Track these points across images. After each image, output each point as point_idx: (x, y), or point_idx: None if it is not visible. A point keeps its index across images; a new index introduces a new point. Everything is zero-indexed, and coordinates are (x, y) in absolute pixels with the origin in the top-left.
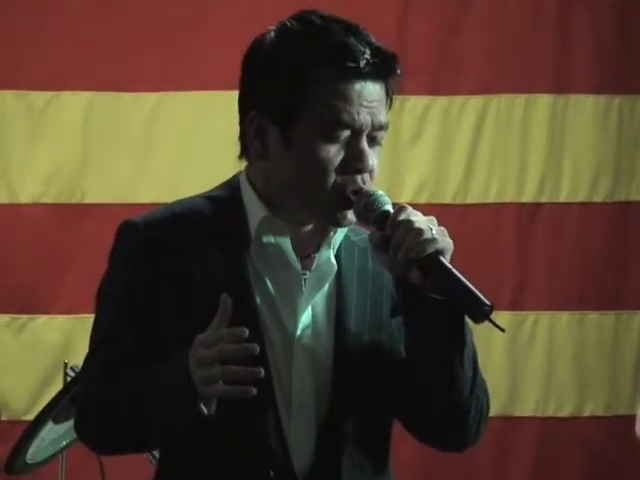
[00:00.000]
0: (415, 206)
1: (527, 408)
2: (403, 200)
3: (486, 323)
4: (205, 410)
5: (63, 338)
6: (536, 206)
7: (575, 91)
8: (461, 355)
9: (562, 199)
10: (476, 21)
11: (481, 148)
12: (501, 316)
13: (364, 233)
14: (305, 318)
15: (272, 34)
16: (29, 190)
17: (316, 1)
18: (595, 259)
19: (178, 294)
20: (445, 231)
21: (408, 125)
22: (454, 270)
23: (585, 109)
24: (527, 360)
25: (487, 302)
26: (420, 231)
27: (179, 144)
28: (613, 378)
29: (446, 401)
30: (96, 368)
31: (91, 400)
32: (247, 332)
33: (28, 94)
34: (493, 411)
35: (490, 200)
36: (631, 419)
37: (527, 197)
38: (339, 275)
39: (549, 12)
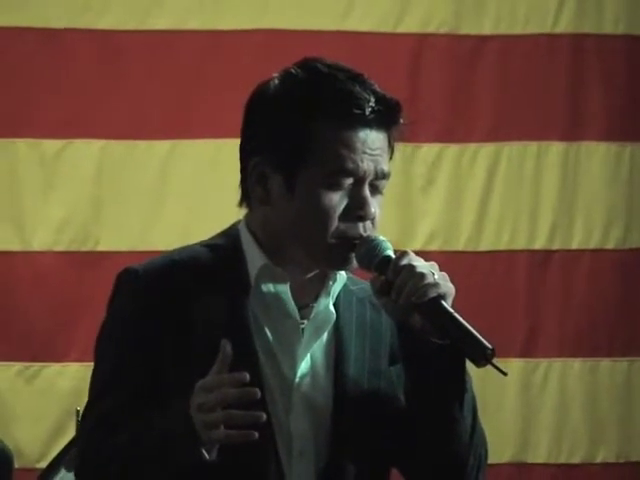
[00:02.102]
0: (427, 254)
1: (539, 455)
2: (415, 248)
3: (488, 367)
4: (207, 455)
5: (75, 386)
6: (548, 253)
7: (587, 139)
8: (461, 401)
9: (574, 246)
10: (488, 69)
11: (493, 195)
12: (513, 363)
13: (362, 283)
14: (304, 366)
15: (276, 81)
16: (42, 238)
17: (327, 50)
18: (607, 306)
19: (178, 342)
20: (446, 276)
21: (420, 173)
22: (456, 314)
23: (597, 156)
24: (539, 407)
25: (489, 346)
26: (422, 275)
27: (192, 191)
28: (625, 425)
29: (445, 448)
30: (97, 419)
31: (92, 452)
32: (248, 376)
33: (41, 142)
34: (505, 458)
35: (502, 247)
36: None
37: (539, 244)
38: (338, 323)
39: (561, 60)
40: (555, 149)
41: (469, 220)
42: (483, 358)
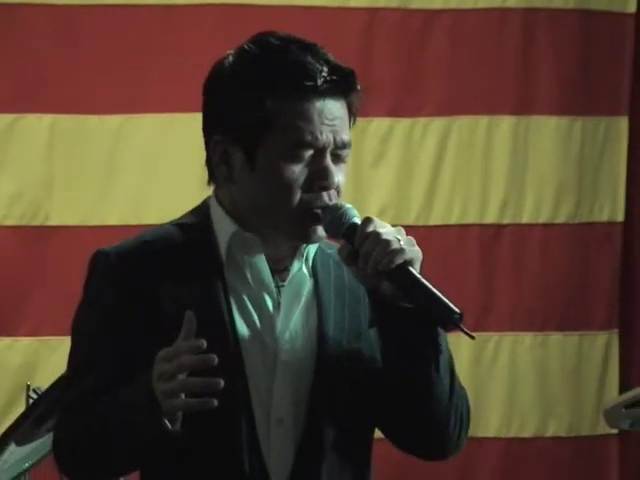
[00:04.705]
0: None
1: (490, 429)
2: None
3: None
4: (169, 426)
5: (26, 360)
6: (498, 227)
7: (538, 112)
8: (437, 362)
9: (525, 220)
10: (439, 43)
11: (444, 169)
12: (464, 338)
13: (336, 246)
14: (285, 331)
15: (231, 58)
16: None
17: (280, 24)
18: (558, 280)
19: (153, 322)
20: (413, 240)
21: (370, 147)
22: (423, 280)
23: (548, 130)
24: (490, 381)
25: (457, 310)
26: (388, 242)
27: (144, 166)
28: (576, 399)
29: (425, 410)
30: (73, 399)
31: (66, 427)
32: (205, 343)
33: None
34: None
35: (453, 222)
36: (594, 440)
37: (490, 218)
38: (316, 286)
39: (512, 33)
40: (506, 123)
41: (420, 194)
42: (451, 323)
